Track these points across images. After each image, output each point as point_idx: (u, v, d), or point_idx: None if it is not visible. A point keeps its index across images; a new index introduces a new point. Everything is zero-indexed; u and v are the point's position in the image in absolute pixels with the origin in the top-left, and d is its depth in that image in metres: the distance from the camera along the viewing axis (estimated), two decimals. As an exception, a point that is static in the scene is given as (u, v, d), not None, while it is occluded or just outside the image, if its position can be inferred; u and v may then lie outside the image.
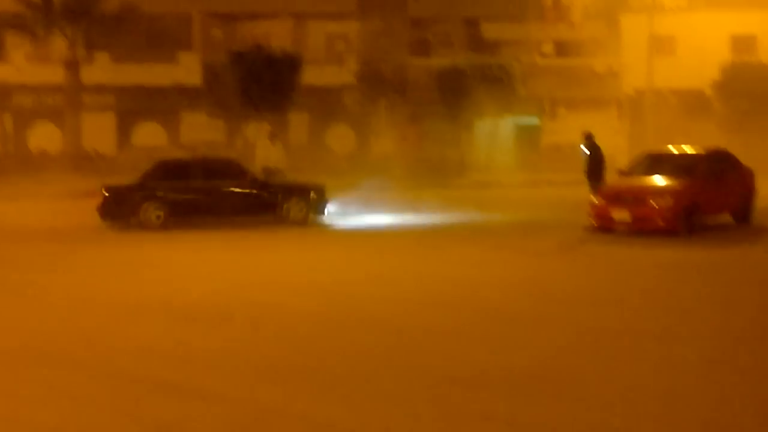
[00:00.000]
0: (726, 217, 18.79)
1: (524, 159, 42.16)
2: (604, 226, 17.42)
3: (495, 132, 41.56)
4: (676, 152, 19.48)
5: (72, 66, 36.90)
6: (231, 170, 19.90)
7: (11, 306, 10.75)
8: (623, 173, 18.82)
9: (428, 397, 6.68)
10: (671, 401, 6.53)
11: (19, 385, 7.18)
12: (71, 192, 27.85)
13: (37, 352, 8.30)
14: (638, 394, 6.73)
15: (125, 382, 7.22)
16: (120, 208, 18.97)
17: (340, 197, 22.44)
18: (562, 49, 45.79)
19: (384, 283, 12.07)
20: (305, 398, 6.68)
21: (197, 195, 19.18)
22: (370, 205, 23.15)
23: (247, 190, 19.45)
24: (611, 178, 19.23)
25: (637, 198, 17.09)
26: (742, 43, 43.88)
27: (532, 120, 45.17)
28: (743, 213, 18.91)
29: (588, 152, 19.88)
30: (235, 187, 19.43)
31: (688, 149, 19.30)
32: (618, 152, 33.04)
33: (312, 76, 38.06)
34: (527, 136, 44.67)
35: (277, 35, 41.76)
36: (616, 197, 17.35)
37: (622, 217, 17.05)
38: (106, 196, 18.89)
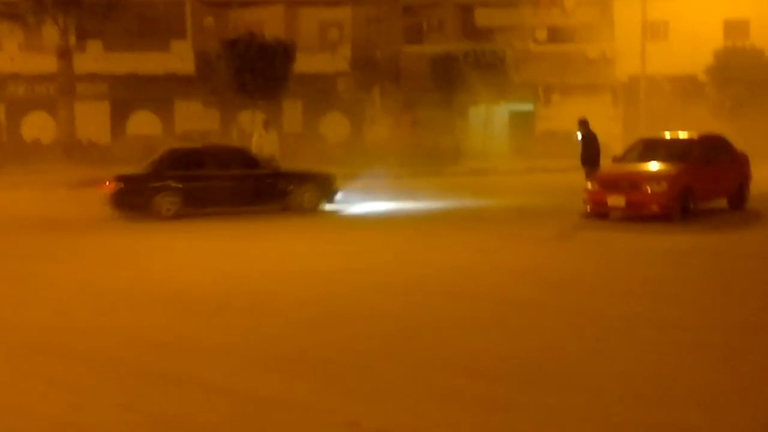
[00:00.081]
0: (721, 203, 18.84)
1: (519, 145, 42.25)
2: (599, 212, 17.48)
3: (489, 119, 41.54)
4: (670, 138, 19.50)
5: (64, 55, 36.75)
6: (243, 158, 19.80)
7: (10, 296, 10.73)
8: (618, 159, 18.85)
9: (427, 385, 6.70)
10: (669, 386, 6.57)
11: (17, 377, 7.18)
12: (67, 182, 27.83)
13: (36, 343, 8.30)
14: (636, 379, 6.76)
15: (124, 373, 7.22)
16: (134, 198, 18.57)
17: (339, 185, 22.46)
18: (555, 35, 45.74)
19: (384, 271, 12.08)
20: (304, 388, 6.69)
21: (212, 184, 18.87)
22: (368, 192, 23.16)
23: (262, 179, 19.35)
24: (606, 164, 19.27)
25: (632, 184, 17.12)
26: (735, 28, 43.86)
27: (527, 106, 45.17)
28: (738, 198, 18.97)
29: (583, 138, 19.89)
30: (249, 175, 19.29)
31: (683, 135, 19.33)
32: (612, 138, 33.11)
33: (305, 63, 38.00)
34: (521, 123, 44.70)
35: (269, 23, 41.68)
36: (611, 183, 17.38)
37: (617, 202, 17.10)
38: (120, 186, 18.45)
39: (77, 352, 7.93)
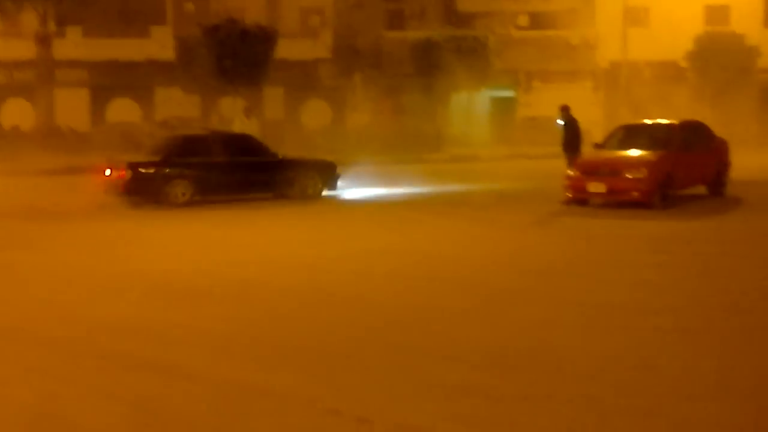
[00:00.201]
0: (700, 189, 18.93)
1: (500, 132, 42.30)
2: (580, 199, 17.55)
3: (470, 105, 41.58)
4: (650, 124, 19.57)
5: (44, 41, 36.46)
6: (251, 146, 19.75)
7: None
8: (599, 146, 18.90)
9: (408, 372, 6.71)
10: (648, 371, 6.60)
11: (-3, 366, 7.14)
12: (47, 169, 27.64)
13: (15, 330, 8.25)
14: (616, 364, 6.79)
15: (104, 360, 7.19)
16: (146, 186, 18.31)
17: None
18: (536, 21, 45.79)
19: (367, 259, 12.10)
20: (286, 376, 6.69)
21: (223, 171, 18.79)
22: (353, 179, 23.16)
23: (269, 166, 19.33)
24: (587, 150, 19.32)
25: (612, 170, 17.18)
26: (716, 14, 44.04)
27: (508, 93, 45.22)
28: (717, 185, 19.07)
29: (564, 124, 19.96)
30: (257, 162, 19.28)
31: (663, 121, 19.40)
32: (593, 124, 33.20)
33: (286, 50, 37.86)
34: (503, 109, 44.76)
35: (250, 9, 41.47)
36: (592, 169, 17.44)
37: (598, 189, 17.17)
38: (131, 174, 18.18)
39: (57, 340, 7.89)
